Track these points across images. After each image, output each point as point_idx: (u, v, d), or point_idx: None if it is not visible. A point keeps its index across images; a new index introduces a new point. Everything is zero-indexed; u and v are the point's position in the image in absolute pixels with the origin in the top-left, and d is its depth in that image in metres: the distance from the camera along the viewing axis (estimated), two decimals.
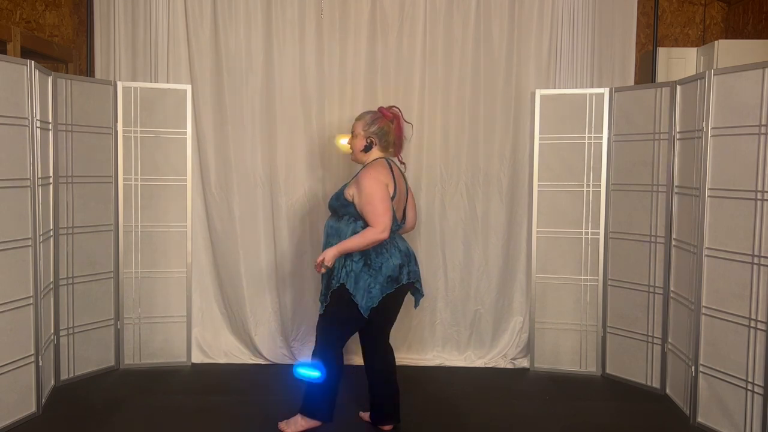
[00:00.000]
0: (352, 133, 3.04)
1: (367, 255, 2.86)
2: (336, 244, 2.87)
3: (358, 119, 3.04)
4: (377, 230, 2.80)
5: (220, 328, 4.10)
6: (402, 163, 3.13)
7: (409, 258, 2.97)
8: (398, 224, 2.98)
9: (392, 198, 2.89)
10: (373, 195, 2.82)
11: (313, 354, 3.01)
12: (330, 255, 2.82)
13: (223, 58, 3.91)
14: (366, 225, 2.85)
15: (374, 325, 2.99)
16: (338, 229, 2.92)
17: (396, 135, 3.05)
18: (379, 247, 2.87)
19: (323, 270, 2.84)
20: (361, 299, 2.84)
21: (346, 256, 2.87)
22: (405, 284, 2.94)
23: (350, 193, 2.90)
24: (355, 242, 2.82)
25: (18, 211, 3.05)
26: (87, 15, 3.94)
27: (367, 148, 3.00)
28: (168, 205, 3.88)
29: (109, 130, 3.75)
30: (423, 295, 3.11)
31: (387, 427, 3.08)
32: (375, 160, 2.99)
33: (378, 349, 3.07)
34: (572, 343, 3.94)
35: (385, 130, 3.00)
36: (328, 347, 2.97)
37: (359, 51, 3.94)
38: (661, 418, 3.32)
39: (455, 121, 3.99)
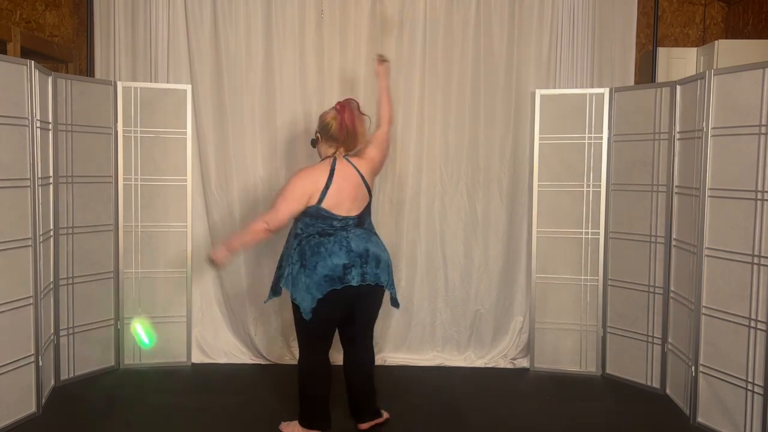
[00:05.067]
0: None
1: (303, 255, 2.80)
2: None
3: None
4: (262, 221, 2.80)
5: (220, 328, 4.10)
6: (353, 156, 2.97)
7: (366, 260, 2.81)
8: (341, 219, 2.82)
9: (321, 197, 2.78)
10: (284, 189, 2.84)
11: (298, 362, 2.99)
12: (220, 254, 2.84)
13: (223, 58, 3.91)
14: (300, 225, 2.85)
15: (345, 325, 2.98)
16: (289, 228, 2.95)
17: (337, 128, 2.85)
18: (316, 246, 2.79)
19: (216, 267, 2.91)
20: (302, 301, 2.80)
21: (284, 258, 2.88)
22: (358, 286, 2.80)
23: None
24: (240, 236, 2.92)
25: (18, 211, 3.05)
26: (87, 15, 3.94)
27: (313, 143, 3.00)
28: (168, 204, 3.88)
29: (109, 130, 3.75)
30: (398, 305, 3.10)
31: (363, 426, 3.05)
32: (325, 159, 2.94)
33: (349, 348, 3.06)
34: (572, 343, 3.94)
35: (326, 123, 2.91)
36: (308, 354, 2.95)
37: (359, 51, 3.94)
38: (661, 418, 3.31)
39: (455, 121, 3.99)
